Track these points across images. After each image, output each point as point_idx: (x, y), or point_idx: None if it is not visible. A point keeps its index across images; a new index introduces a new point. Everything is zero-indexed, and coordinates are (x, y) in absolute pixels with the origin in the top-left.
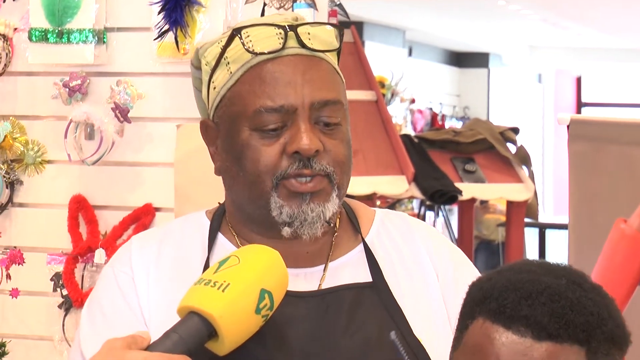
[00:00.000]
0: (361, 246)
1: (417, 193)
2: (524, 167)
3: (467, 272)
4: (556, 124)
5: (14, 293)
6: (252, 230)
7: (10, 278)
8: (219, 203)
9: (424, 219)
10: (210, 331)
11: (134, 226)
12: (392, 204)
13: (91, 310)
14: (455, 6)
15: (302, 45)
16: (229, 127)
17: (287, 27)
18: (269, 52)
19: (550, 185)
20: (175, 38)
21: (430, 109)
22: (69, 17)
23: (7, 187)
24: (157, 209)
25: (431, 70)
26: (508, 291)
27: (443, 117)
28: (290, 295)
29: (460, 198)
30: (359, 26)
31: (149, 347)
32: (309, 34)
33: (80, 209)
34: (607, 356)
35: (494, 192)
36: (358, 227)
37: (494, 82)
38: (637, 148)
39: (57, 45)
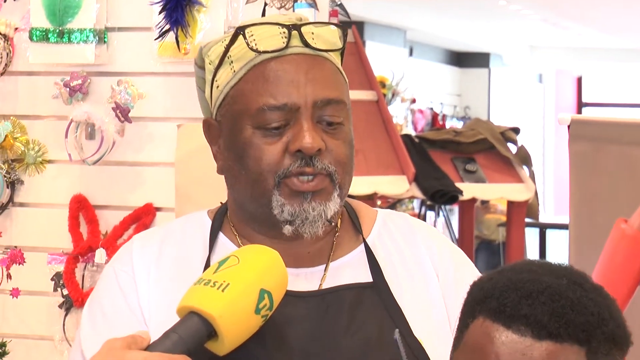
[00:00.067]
0: (362, 246)
1: (417, 193)
2: (525, 167)
3: (468, 273)
4: (557, 124)
5: (15, 293)
6: (254, 230)
7: (10, 278)
8: (221, 203)
9: (424, 219)
10: (209, 331)
11: (135, 226)
12: (393, 204)
13: (92, 310)
14: (456, 6)
15: (306, 44)
16: (232, 125)
17: (291, 27)
18: (273, 51)
19: (550, 185)
20: (176, 38)
21: (431, 109)
22: (70, 16)
23: (7, 187)
24: (158, 209)
25: (432, 70)
26: (509, 290)
27: (444, 117)
28: (290, 295)
29: (461, 198)
30: (359, 26)
31: (149, 347)
32: (312, 33)
33: (81, 209)
34: (607, 356)
35: (495, 192)
36: (359, 227)
37: (495, 82)
38: (637, 148)
39: (57, 45)
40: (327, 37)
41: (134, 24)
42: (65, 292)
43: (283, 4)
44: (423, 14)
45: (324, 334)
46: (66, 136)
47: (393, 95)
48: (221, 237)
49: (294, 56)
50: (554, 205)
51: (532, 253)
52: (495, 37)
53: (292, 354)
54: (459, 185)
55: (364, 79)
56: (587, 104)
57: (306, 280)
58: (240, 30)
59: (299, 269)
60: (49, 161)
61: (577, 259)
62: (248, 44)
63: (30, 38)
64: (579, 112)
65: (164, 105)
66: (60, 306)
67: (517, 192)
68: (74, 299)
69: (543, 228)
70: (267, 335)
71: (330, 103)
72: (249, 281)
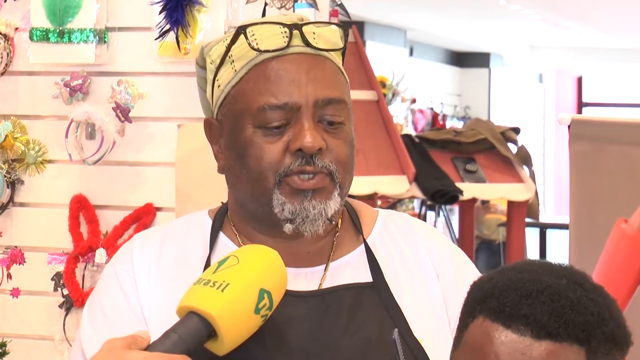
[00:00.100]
0: (362, 246)
1: (418, 193)
2: (525, 167)
3: (468, 273)
4: (557, 124)
5: (15, 293)
6: (255, 229)
7: (11, 278)
8: (221, 202)
9: (424, 219)
10: (209, 331)
11: (135, 226)
12: (393, 203)
13: (92, 309)
14: (456, 6)
15: (307, 44)
16: (233, 124)
17: (293, 26)
18: (274, 50)
19: (551, 185)
20: (177, 38)
21: (431, 108)
22: (70, 16)
23: (8, 187)
24: (158, 209)
25: (432, 70)
26: (509, 290)
27: (444, 117)
28: (290, 295)
29: (461, 198)
30: (360, 26)
31: (149, 347)
32: (313, 33)
33: (81, 209)
34: (607, 356)
35: (495, 192)
36: (360, 227)
37: (495, 82)
38: (637, 148)
39: (58, 44)
40: (328, 37)
41: (134, 23)
42: (65, 292)
43: (283, 4)
44: (423, 14)
45: (323, 333)
46: (66, 136)
47: (393, 95)
48: (222, 236)
49: (295, 55)
50: (554, 205)
51: (532, 253)
52: (495, 37)
53: (291, 354)
54: (459, 185)
55: (364, 79)
56: (587, 104)
57: (306, 280)
58: (241, 30)
59: (299, 269)
60: (49, 161)
61: (577, 259)
62: (249, 44)
63: (31, 38)
64: (579, 112)
65: (164, 105)
66: (60, 306)
67: (518, 192)
68: (74, 299)
69: (543, 228)
70: (266, 335)
71: (331, 102)
72: (248, 281)
